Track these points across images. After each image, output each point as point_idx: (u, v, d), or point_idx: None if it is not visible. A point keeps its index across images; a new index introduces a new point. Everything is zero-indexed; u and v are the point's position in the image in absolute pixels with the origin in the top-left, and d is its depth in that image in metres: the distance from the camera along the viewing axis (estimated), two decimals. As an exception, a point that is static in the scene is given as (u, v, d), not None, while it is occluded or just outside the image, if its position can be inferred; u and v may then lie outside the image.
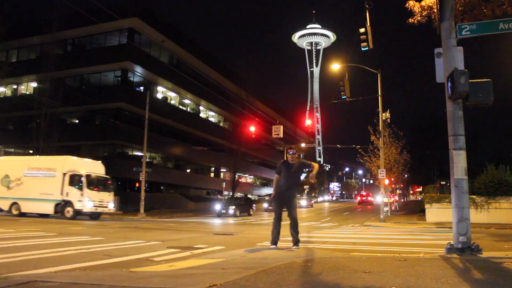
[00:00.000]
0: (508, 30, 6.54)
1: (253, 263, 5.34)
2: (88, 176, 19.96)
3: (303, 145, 62.39)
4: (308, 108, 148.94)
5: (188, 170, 48.43)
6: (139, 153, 34.89)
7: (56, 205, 19.75)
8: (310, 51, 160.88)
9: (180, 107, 44.69)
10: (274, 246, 7.17)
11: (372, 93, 24.65)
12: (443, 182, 27.02)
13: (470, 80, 5.96)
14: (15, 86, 40.82)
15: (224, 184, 44.83)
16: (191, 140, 43.35)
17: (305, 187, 74.70)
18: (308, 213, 34.75)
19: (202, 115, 49.32)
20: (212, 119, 51.90)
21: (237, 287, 3.63)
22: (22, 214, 20.43)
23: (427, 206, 20.42)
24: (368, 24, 14.37)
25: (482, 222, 17.41)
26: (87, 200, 19.53)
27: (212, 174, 54.48)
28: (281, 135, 31.27)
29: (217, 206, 28.47)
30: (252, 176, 67.29)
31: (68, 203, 19.54)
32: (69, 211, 19.43)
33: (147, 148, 29.16)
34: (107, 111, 35.00)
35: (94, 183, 20.33)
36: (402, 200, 64.02)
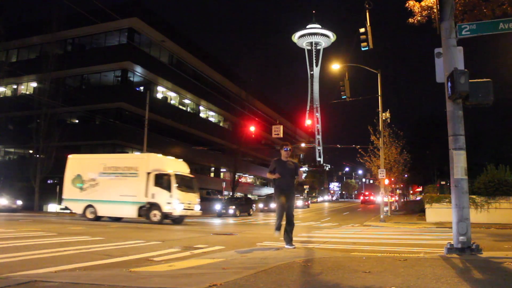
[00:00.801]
0: (508, 30, 6.54)
1: (253, 263, 5.34)
2: (176, 175, 18.04)
3: (303, 145, 62.40)
4: (308, 108, 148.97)
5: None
6: (139, 153, 34.88)
7: (140, 208, 17.80)
8: (310, 51, 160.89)
9: (180, 107, 44.69)
10: (278, 232, 7.28)
11: (372, 93, 24.68)
12: (443, 182, 27.00)
13: (470, 80, 5.96)
14: (15, 86, 40.82)
15: (224, 184, 44.82)
16: (191, 140, 43.35)
17: (305, 187, 74.77)
18: (308, 213, 34.74)
19: (202, 115, 49.32)
20: (212, 119, 51.90)
21: (237, 287, 3.63)
22: (98, 218, 18.56)
23: (427, 206, 20.43)
24: (368, 24, 14.38)
25: (482, 222, 17.42)
26: (177, 203, 17.46)
27: (212, 174, 54.47)
28: (281, 135, 31.23)
29: (217, 206, 28.48)
30: (252, 176, 67.29)
31: (154, 206, 17.53)
32: (155, 215, 17.45)
33: (147, 148, 29.15)
34: (107, 111, 35.00)
35: (182, 184, 18.32)
36: (402, 200, 64.10)
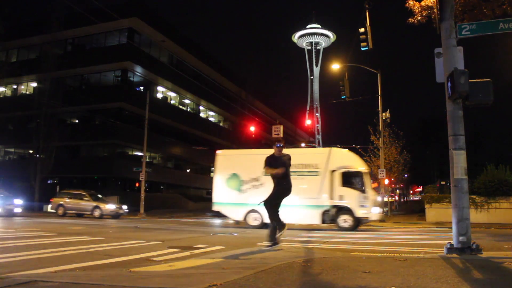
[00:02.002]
0: (508, 30, 6.54)
1: (253, 263, 5.33)
2: (367, 174, 15.76)
3: (303, 145, 62.31)
4: (308, 108, 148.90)
5: (188, 170, 48.41)
6: (139, 153, 34.89)
7: (324, 212, 15.20)
8: (310, 51, 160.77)
9: (180, 107, 44.70)
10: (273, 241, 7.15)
11: (372, 93, 24.68)
12: (443, 182, 27.04)
13: (470, 80, 5.96)
14: (15, 86, 40.82)
15: (224, 184, 44.72)
16: (191, 140, 43.36)
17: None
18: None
19: (202, 115, 49.31)
20: (212, 119, 51.89)
21: (237, 287, 3.63)
22: (263, 225, 15.17)
23: (427, 206, 20.43)
24: (368, 24, 14.38)
25: (482, 222, 17.42)
26: (372, 206, 15.07)
27: (212, 174, 54.42)
28: (281, 135, 31.30)
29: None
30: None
31: (343, 210, 15.03)
32: (346, 220, 14.97)
33: (147, 148, 29.16)
34: (107, 111, 34.99)
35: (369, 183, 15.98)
36: (402, 200, 64.05)
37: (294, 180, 15.07)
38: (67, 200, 24.15)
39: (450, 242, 6.18)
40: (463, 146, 6.27)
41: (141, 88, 38.43)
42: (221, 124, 53.60)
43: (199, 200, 42.43)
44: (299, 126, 71.96)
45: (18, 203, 22.82)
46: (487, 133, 45.90)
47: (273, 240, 7.14)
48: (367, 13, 14.18)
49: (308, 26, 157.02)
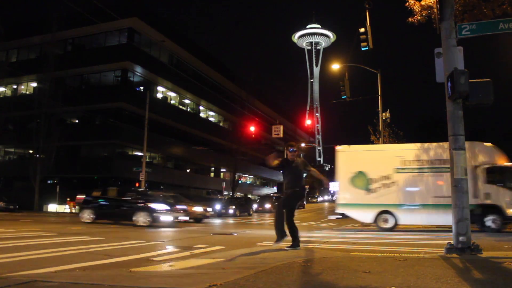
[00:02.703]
0: (508, 30, 6.54)
1: (253, 263, 5.33)
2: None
3: (303, 145, 62.35)
4: (308, 108, 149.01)
5: (188, 170, 48.43)
6: (139, 153, 34.89)
7: None
8: (310, 51, 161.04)
9: (180, 107, 44.71)
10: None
11: (372, 93, 24.70)
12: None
13: (470, 80, 5.96)
14: (15, 86, 40.84)
15: (224, 184, 44.82)
16: (191, 140, 43.36)
17: (305, 187, 74.75)
18: (307, 213, 34.74)
19: (202, 115, 49.33)
20: (212, 119, 51.90)
21: (237, 287, 3.63)
22: (393, 228, 14.43)
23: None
24: (368, 24, 14.39)
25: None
26: None
27: (212, 174, 54.47)
28: (281, 135, 31.36)
29: (217, 206, 28.47)
30: (252, 176, 67.30)
31: (491, 209, 13.57)
32: (494, 220, 13.53)
33: (147, 148, 29.17)
34: (107, 111, 35.01)
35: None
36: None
37: (429, 178, 14.42)
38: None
39: (450, 242, 6.18)
40: (463, 146, 6.28)
41: (141, 88, 38.45)
42: (221, 124, 53.61)
43: (199, 200, 42.37)
44: (299, 126, 71.99)
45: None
46: (487, 133, 45.91)
47: (295, 242, 6.96)
48: (367, 13, 14.20)
49: (308, 26, 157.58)
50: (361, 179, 14.99)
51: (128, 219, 15.15)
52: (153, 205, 15.21)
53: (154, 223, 14.77)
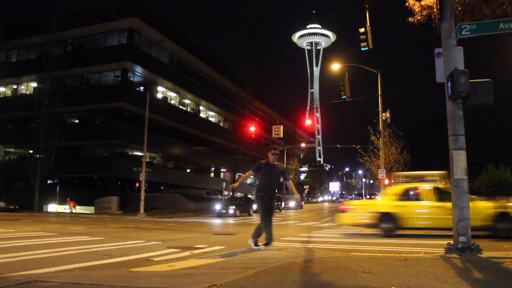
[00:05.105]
0: (508, 30, 6.54)
1: (253, 263, 5.33)
2: None
3: (303, 145, 62.42)
4: (308, 108, 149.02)
5: (188, 170, 48.44)
6: (139, 153, 34.89)
7: None
8: (310, 51, 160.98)
9: (180, 107, 44.70)
10: (255, 241, 7.00)
11: (372, 93, 24.71)
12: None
13: (470, 80, 5.96)
14: (15, 86, 40.84)
15: (224, 184, 44.79)
16: (191, 140, 43.36)
17: (305, 187, 74.80)
18: (307, 213, 34.72)
19: (202, 115, 49.32)
20: (212, 119, 51.89)
21: (237, 287, 3.63)
22: None
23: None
24: (368, 24, 14.37)
25: (482, 222, 17.31)
26: None
27: (212, 174, 54.48)
28: (281, 135, 31.34)
29: (217, 206, 28.46)
30: (252, 176, 67.32)
31: None
32: None
33: (147, 148, 29.16)
34: (107, 111, 35.01)
35: None
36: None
37: None
38: None
39: (450, 242, 6.18)
40: (463, 146, 6.27)
41: (141, 88, 38.45)
42: (221, 124, 53.60)
43: (199, 200, 42.45)
44: (299, 126, 72.00)
45: None
46: (487, 133, 45.88)
47: (269, 244, 6.95)
48: (367, 13, 14.18)
49: (308, 26, 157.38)
50: None
51: None
52: None
53: None
